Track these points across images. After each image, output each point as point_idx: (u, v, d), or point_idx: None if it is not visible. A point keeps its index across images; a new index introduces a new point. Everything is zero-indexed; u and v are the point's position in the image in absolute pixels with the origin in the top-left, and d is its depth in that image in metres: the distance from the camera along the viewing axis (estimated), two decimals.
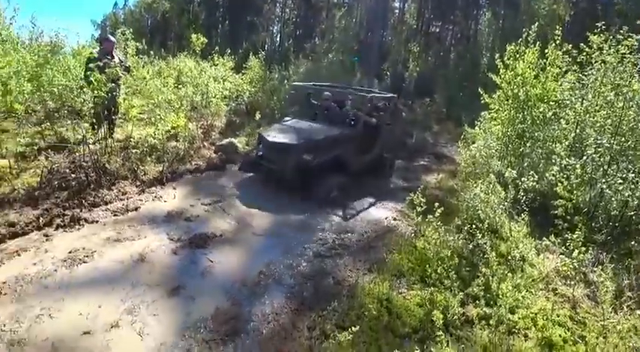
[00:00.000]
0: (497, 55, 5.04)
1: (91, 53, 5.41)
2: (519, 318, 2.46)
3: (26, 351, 1.86)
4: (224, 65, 8.29)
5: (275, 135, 4.82)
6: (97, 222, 3.27)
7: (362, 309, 2.37)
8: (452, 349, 2.12)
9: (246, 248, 3.22)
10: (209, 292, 2.51)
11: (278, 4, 32.47)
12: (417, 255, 3.15)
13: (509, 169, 3.73)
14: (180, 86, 7.05)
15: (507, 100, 4.97)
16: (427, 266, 2.79)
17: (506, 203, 3.51)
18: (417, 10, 22.02)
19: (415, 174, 6.61)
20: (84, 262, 2.65)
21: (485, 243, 2.90)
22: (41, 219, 3.12)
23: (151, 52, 10.29)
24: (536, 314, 2.50)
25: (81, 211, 3.34)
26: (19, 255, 2.66)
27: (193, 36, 8.04)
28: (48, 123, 5.23)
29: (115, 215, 3.44)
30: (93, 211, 3.42)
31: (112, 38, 5.58)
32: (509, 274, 2.76)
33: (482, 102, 5.51)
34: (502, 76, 4.90)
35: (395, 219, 4.23)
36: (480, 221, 3.43)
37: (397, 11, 23.73)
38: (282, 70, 11.05)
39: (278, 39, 30.89)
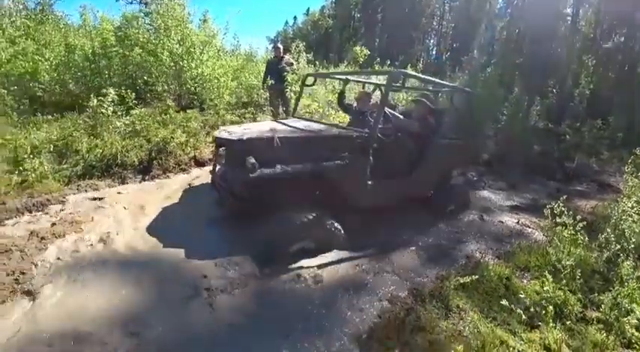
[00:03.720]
0: None
1: (268, 59, 7.39)
2: None
3: None
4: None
5: (227, 130, 3.27)
6: None
7: (482, 276, 2.78)
8: (559, 332, 2.37)
9: None
10: None
11: (435, 18, 32.45)
12: (548, 258, 3.30)
13: None
14: None
15: None
16: (554, 267, 2.94)
17: None
18: (594, 17, 18.69)
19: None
20: None
21: (626, 263, 2.88)
22: None
23: (317, 63, 12.25)
24: None
25: None
26: None
27: (357, 48, 9.29)
28: (248, 109, 7.15)
29: None
30: None
31: (279, 46, 7.30)
32: None
33: None
34: None
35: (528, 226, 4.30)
36: (626, 240, 3.33)
37: (569, 19, 20.47)
38: None
39: (434, 52, 30.89)
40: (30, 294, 2.23)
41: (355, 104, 4.52)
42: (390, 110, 3.78)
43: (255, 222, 3.13)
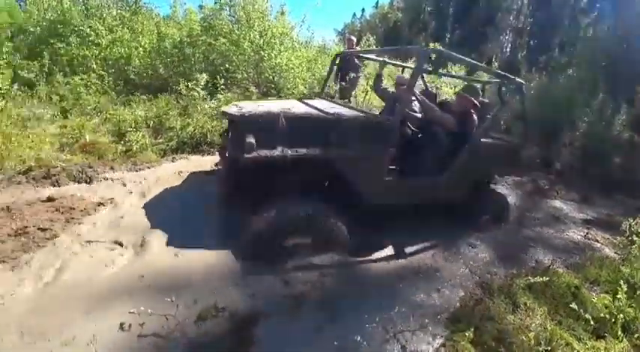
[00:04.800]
0: None
1: (339, 51, 7.49)
2: None
3: None
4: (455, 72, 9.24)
5: (238, 105, 2.97)
6: None
7: (551, 281, 2.80)
8: (625, 343, 2.36)
9: None
10: None
11: (512, 12, 30.44)
12: (620, 275, 3.22)
13: None
14: None
15: None
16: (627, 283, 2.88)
17: None
18: None
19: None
20: None
21: None
22: None
23: None
24: None
25: None
26: None
27: (431, 44, 9.24)
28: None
29: None
30: None
31: (352, 38, 7.42)
32: None
33: None
34: None
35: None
36: None
37: None
38: None
39: (508, 50, 29.12)
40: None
41: (391, 90, 4.21)
42: (423, 99, 3.35)
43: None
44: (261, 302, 2.21)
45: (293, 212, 2.53)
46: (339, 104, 3.59)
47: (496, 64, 12.23)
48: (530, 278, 2.66)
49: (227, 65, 7.55)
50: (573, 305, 2.34)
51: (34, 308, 1.99)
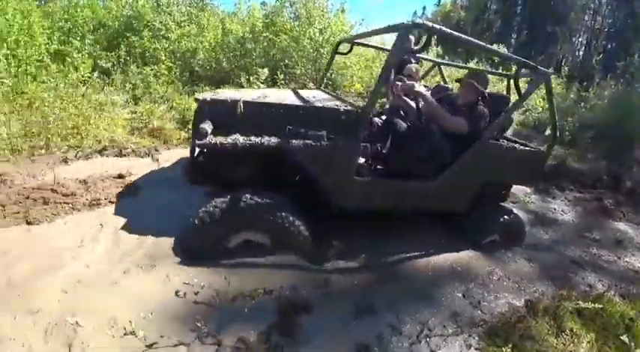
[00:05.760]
0: None
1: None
2: None
3: None
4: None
5: (217, 92, 3.06)
6: None
7: (603, 310, 2.64)
8: None
9: None
10: None
11: (588, 12, 27.90)
12: None
13: None
14: None
15: None
16: None
17: None
18: None
19: None
20: None
21: None
22: None
23: (446, 57, 11.92)
24: None
25: None
26: None
27: (494, 45, 8.84)
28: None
29: None
30: None
31: (411, 37, 7.30)
32: None
33: None
34: None
35: None
36: None
37: None
38: (581, 91, 10.20)
39: (581, 53, 26.81)
40: None
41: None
42: (431, 101, 2.83)
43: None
44: (304, 292, 2.31)
45: (239, 202, 2.30)
46: (333, 96, 3.31)
47: (566, 68, 11.38)
48: (580, 302, 2.51)
49: (287, 61, 7.80)
50: (624, 338, 2.19)
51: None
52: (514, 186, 5.03)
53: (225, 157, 2.56)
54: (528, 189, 5.22)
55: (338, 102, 2.86)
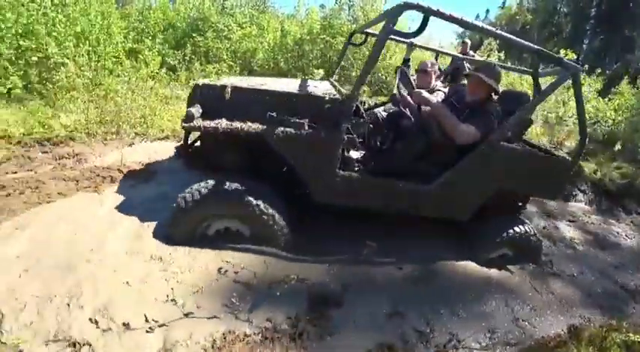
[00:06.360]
0: None
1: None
2: None
3: None
4: (590, 86, 8.15)
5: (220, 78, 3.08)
6: None
7: None
8: None
9: None
10: None
11: None
12: None
13: None
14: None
15: None
16: None
17: None
18: None
19: None
20: None
21: None
22: None
23: (508, 63, 11.36)
24: None
25: None
26: None
27: (562, 51, 8.26)
28: None
29: None
30: None
31: (467, 41, 7.09)
32: None
33: None
34: None
35: None
36: None
37: None
38: None
39: None
40: None
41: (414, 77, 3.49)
42: (435, 102, 2.63)
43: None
44: (338, 285, 2.35)
45: (218, 186, 2.31)
46: (336, 87, 3.15)
47: None
48: (631, 335, 2.30)
49: (343, 63, 7.90)
50: None
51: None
52: (572, 203, 4.69)
53: (212, 142, 2.59)
54: (588, 207, 4.84)
55: (333, 92, 2.66)
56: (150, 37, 7.85)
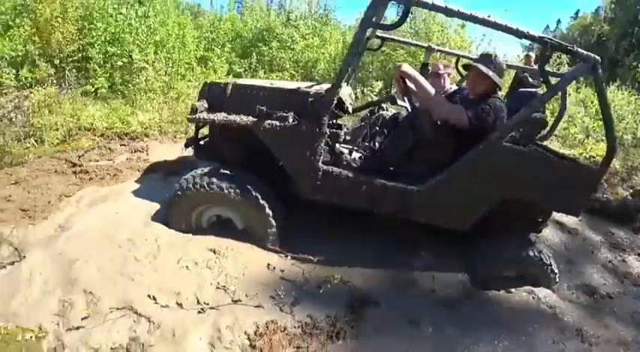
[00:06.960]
0: None
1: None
2: None
3: None
4: None
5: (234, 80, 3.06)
6: None
7: None
8: None
9: None
10: None
11: None
12: None
13: None
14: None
15: None
16: None
17: None
18: None
19: None
20: None
21: None
22: None
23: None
24: None
25: None
26: None
27: None
28: None
29: None
30: None
31: (531, 54, 6.69)
32: None
33: None
34: None
35: None
36: None
37: None
38: None
39: None
40: None
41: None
42: (422, 83, 2.34)
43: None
44: (380, 288, 2.39)
45: (207, 173, 2.44)
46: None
47: None
48: None
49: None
50: None
51: None
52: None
53: (215, 135, 2.81)
54: None
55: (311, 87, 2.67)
56: (219, 46, 8.45)
